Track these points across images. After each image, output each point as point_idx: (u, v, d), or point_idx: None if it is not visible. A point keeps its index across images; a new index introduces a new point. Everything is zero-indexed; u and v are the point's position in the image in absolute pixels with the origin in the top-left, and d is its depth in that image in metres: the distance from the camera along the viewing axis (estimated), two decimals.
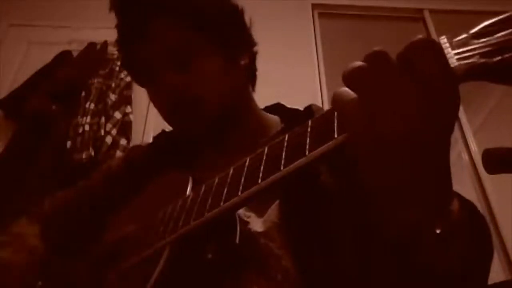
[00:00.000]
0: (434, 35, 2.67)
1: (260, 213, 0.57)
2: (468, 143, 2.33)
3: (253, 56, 0.76)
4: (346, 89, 0.35)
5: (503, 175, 0.46)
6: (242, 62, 0.73)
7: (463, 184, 2.19)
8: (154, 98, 0.70)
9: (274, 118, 0.77)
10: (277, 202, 0.57)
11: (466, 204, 0.40)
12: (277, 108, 0.80)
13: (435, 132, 0.32)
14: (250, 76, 0.76)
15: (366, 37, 2.75)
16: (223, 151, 0.70)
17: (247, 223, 0.56)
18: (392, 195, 0.35)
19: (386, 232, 0.37)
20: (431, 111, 0.31)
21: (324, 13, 2.83)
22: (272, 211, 0.57)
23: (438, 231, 0.34)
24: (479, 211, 0.47)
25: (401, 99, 0.32)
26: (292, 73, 2.32)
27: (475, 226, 0.41)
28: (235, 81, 0.70)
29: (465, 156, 2.31)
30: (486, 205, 2.12)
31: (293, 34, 2.57)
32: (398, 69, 0.32)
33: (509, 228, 1.97)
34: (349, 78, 0.34)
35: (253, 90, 0.77)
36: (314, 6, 2.81)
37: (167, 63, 0.65)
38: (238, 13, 0.74)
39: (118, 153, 1.96)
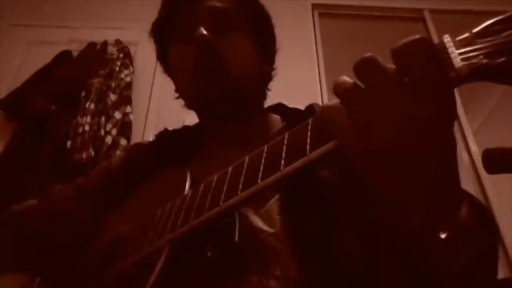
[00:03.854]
0: (434, 35, 2.67)
1: (259, 207, 0.57)
2: (468, 143, 2.32)
3: (270, 73, 0.81)
4: (336, 102, 0.34)
5: (503, 175, 0.46)
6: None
7: (463, 184, 2.18)
8: (182, 57, 0.72)
9: (276, 118, 0.78)
10: (277, 196, 0.57)
11: (475, 206, 0.39)
12: (278, 108, 0.81)
13: (431, 139, 0.32)
14: (265, 83, 0.80)
15: (366, 37, 2.75)
16: (224, 148, 0.70)
17: (248, 217, 0.56)
18: (391, 199, 0.34)
19: (387, 232, 0.37)
20: (424, 118, 0.30)
21: (324, 13, 2.83)
22: (272, 205, 0.57)
23: (443, 236, 0.33)
24: (489, 214, 0.46)
25: (391, 108, 0.31)
26: (292, 73, 2.32)
27: (483, 231, 0.40)
28: (257, 71, 0.75)
29: (465, 156, 2.30)
30: (486, 205, 2.12)
31: (293, 34, 2.56)
32: (387, 75, 0.32)
33: (509, 228, 1.97)
34: (337, 94, 0.34)
35: (265, 99, 0.81)
36: (314, 6, 2.81)
37: (208, 23, 0.70)
38: (271, 26, 0.81)
39: (118, 153, 1.96)
